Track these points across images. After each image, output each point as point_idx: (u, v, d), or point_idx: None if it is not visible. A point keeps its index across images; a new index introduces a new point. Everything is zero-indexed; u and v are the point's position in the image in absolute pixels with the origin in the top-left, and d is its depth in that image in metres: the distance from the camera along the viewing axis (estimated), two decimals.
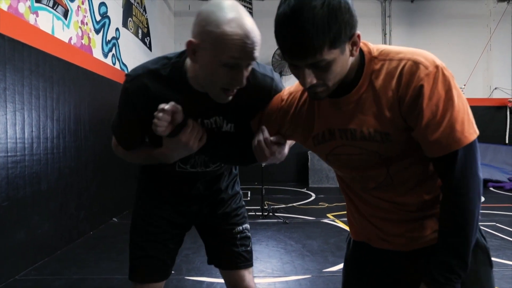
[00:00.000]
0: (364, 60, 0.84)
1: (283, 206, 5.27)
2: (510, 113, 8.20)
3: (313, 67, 0.78)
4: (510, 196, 6.26)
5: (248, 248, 1.40)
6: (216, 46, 0.91)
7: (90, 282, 2.63)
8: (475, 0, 8.46)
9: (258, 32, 0.95)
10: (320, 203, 5.56)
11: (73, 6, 3.73)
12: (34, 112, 2.96)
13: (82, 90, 3.80)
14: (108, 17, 4.68)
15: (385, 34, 8.54)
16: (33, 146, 2.93)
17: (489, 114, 8.24)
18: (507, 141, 8.19)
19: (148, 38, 6.37)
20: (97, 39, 4.34)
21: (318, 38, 0.72)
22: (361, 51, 0.85)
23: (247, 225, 1.43)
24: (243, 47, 0.91)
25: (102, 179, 4.22)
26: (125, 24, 5.26)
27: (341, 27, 0.73)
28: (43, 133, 3.08)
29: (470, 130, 0.78)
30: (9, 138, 2.65)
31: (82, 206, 3.73)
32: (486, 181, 7.25)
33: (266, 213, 4.58)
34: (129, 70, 5.30)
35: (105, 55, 4.58)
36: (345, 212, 1.11)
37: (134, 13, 5.62)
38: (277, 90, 1.12)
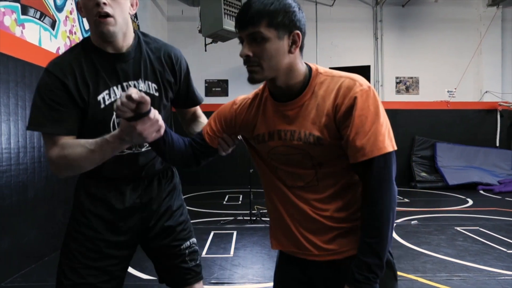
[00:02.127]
0: (311, 75, 0.99)
1: None
2: (500, 116, 8.28)
3: (251, 39, 0.92)
4: (499, 199, 6.33)
5: (198, 262, 1.40)
6: None
7: None
8: (465, 5, 8.57)
9: None
10: None
11: (61, 17, 3.79)
12: (21, 122, 3.02)
13: None
14: None
15: (376, 38, 8.62)
16: (20, 155, 3.00)
17: (479, 118, 8.33)
18: (497, 144, 8.27)
19: None
20: None
21: (258, 12, 0.90)
22: (309, 68, 1.00)
23: (194, 239, 1.41)
24: None
25: None
26: None
27: (282, 13, 0.91)
28: (30, 143, 3.14)
29: (389, 143, 0.91)
30: None
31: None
32: (476, 184, 7.34)
33: (254, 218, 4.64)
34: None
35: None
36: None
37: None
38: (184, 60, 1.35)
